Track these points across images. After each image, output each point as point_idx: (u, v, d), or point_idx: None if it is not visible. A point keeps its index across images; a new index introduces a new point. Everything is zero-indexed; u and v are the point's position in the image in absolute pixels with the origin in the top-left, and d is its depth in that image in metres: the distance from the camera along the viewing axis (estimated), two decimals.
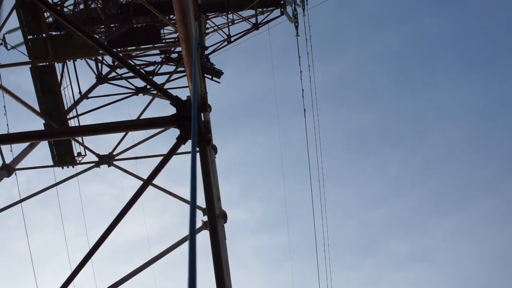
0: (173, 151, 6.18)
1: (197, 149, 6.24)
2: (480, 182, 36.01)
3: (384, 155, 36.55)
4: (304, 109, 16.63)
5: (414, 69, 36.50)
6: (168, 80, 18.09)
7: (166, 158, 6.30)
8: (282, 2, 18.83)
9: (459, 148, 36.27)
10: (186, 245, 10.10)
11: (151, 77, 18.07)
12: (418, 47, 36.23)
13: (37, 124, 15.72)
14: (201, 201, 11.14)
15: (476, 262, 34.74)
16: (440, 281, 34.98)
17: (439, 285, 34.78)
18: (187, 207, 12.00)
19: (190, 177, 2.92)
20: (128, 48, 18.01)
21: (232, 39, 19.62)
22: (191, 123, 3.27)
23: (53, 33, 14.54)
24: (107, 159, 14.91)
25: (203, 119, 6.44)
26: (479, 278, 34.10)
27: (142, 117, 16.60)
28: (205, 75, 16.15)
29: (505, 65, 35.21)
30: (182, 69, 17.74)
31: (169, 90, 7.31)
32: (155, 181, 8.41)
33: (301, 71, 16.85)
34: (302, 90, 17.01)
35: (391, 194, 37.24)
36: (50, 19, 15.32)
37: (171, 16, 17.45)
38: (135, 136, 16.55)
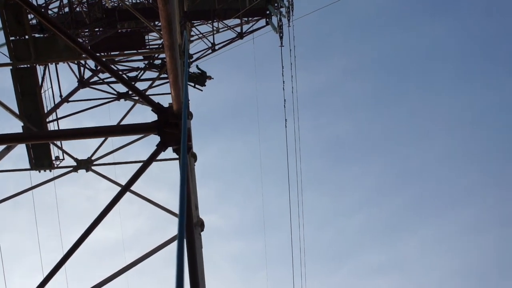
0: (152, 158, 6.15)
1: (177, 156, 6.23)
2: (457, 193, 36.56)
3: (363, 164, 36.92)
4: (285, 119, 16.73)
5: (397, 78, 37.04)
6: (150, 87, 18.04)
7: (145, 165, 6.27)
8: (267, 12, 18.94)
9: (438, 159, 36.78)
10: (162, 252, 10.01)
11: (133, 83, 17.99)
12: (401, 57, 36.77)
13: (14, 125, 15.53)
14: (178, 208, 11.06)
15: (449, 273, 35.17)
16: None
17: None
18: (161, 212, 11.91)
19: (179, 188, 2.90)
20: (112, 53, 17.92)
21: (217, 47, 19.67)
22: (181, 132, 3.26)
23: (36, 35, 14.41)
24: (85, 164, 14.77)
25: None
26: None
27: (123, 123, 16.51)
28: (188, 82, 16.13)
29: (490, 75, 35.90)
30: (165, 75, 17.70)
31: (151, 97, 7.29)
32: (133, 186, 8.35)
33: (283, 81, 16.95)
34: (284, 100, 17.11)
35: (368, 203, 37.61)
36: (34, 21, 15.20)
37: (156, 23, 17.43)
38: (114, 141, 16.43)
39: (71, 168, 14.78)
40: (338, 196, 37.66)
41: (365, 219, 36.51)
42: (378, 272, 36.28)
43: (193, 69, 16.82)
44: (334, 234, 37.22)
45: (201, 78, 16.24)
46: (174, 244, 10.10)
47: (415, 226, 36.71)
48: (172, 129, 5.93)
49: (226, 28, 19.75)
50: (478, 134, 36.32)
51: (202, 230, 10.42)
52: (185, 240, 2.60)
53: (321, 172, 36.99)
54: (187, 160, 6.29)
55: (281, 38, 19.44)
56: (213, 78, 16.84)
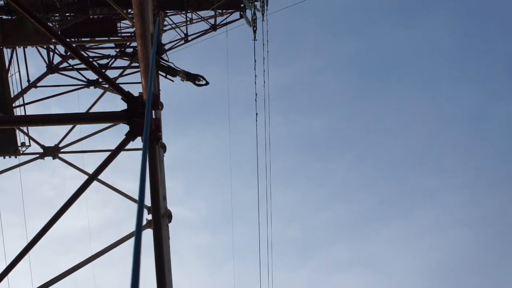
0: (121, 147, 6.09)
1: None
2: (423, 193, 37.24)
3: (332, 160, 37.26)
4: (256, 113, 16.75)
5: (371, 76, 37.45)
6: (121, 75, 17.82)
7: (114, 154, 6.20)
8: (242, 5, 18.88)
9: (406, 158, 37.41)
10: (129, 242, 9.95)
11: (104, 71, 17.74)
12: (375, 56, 37.16)
13: None
14: (146, 199, 10.99)
15: (414, 270, 35.89)
16: (379, 285, 36.01)
17: None
18: (129, 202, 11.82)
19: (139, 177, 2.88)
20: (82, 39, 17.61)
21: (190, 38, 19.53)
22: (144, 122, 3.23)
23: (4, 17, 14.07)
24: (52, 151, 14.52)
25: (154, 116, 6.37)
26: (416, 286, 35.25)
27: (92, 110, 16.28)
28: (160, 72, 16.00)
29: (461, 79, 36.57)
30: (137, 64, 17.51)
31: (121, 85, 7.20)
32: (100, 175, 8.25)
33: (255, 76, 16.95)
34: (256, 94, 17.12)
35: (336, 199, 38.01)
36: (1, 2, 14.83)
37: (129, 10, 17.20)
38: (83, 129, 16.20)
39: (38, 155, 14.53)
40: (307, 192, 37.97)
41: (334, 215, 36.95)
42: (345, 267, 36.80)
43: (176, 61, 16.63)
44: (302, 229, 37.56)
45: (173, 71, 16.11)
46: (142, 234, 10.05)
47: (383, 223, 37.33)
48: (142, 119, 5.87)
49: (199, 19, 19.61)
50: (449, 134, 37.11)
51: (170, 221, 10.39)
52: (142, 232, 2.58)
53: (291, 167, 37.23)
54: (155, 151, 6.24)
55: (254, 32, 19.42)
56: (208, 84, 16.58)
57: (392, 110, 36.96)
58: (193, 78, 16.46)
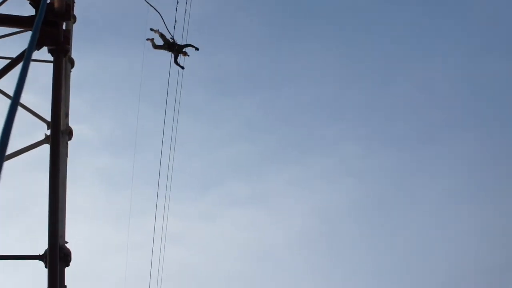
0: (23, 56, 5.75)
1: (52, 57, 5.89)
2: (323, 141, 38.69)
3: (241, 98, 37.51)
4: (172, 38, 16.32)
5: (291, 19, 37.44)
6: None
7: (14, 62, 5.86)
8: None
9: (310, 106, 38.40)
10: (24, 156, 9.59)
11: None
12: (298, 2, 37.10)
13: None
14: (47, 114, 10.54)
15: (307, 211, 37.78)
16: (272, 223, 37.64)
17: (270, 227, 37.45)
18: (30, 116, 11.24)
19: (16, 84, 2.67)
20: None
21: None
22: (34, 23, 3.03)
23: None
24: None
25: (64, 28, 6.06)
26: (307, 225, 37.19)
27: None
28: None
29: (382, 31, 37.43)
30: None
31: None
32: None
33: (178, 2, 16.42)
34: (175, 21, 16.62)
35: (240, 137, 38.60)
36: None
37: None
38: None
39: None
40: (214, 127, 38.15)
41: (236, 152, 37.57)
42: (241, 203, 37.90)
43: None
44: (204, 163, 37.93)
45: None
46: (39, 149, 9.71)
47: (282, 164, 38.52)
48: (51, 28, 5.57)
49: None
50: (357, 85, 38.38)
51: (70, 139, 10.08)
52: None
53: (201, 100, 37.01)
54: (61, 64, 5.97)
55: None
56: (188, 55, 16.21)
57: (308, 54, 37.50)
58: (178, 51, 16.06)
